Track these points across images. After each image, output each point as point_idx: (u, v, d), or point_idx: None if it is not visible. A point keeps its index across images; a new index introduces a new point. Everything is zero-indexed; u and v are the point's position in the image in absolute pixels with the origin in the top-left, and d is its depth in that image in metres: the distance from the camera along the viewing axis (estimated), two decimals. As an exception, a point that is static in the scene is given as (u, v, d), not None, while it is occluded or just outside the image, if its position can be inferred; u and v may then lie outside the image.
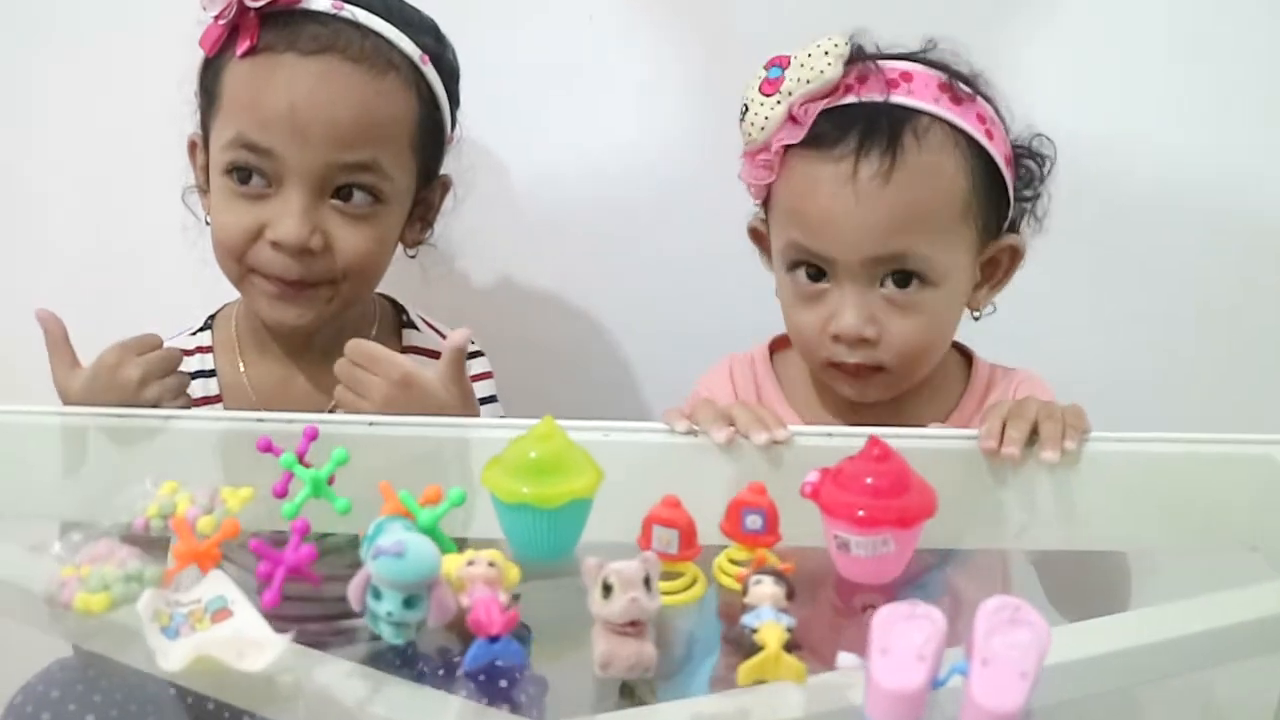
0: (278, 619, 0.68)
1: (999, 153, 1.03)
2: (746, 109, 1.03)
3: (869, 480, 0.74)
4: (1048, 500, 0.90)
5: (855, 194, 0.98)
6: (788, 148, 1.02)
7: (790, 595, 0.66)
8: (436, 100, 1.11)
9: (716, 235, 1.22)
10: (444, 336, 1.19)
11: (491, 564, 0.69)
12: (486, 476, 0.76)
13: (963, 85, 1.03)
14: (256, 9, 1.02)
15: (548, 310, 1.39)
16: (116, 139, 1.36)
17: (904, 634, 0.61)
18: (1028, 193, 1.09)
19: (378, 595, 0.67)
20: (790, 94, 1.00)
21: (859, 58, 1.01)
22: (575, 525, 0.77)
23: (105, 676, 0.79)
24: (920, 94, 1.01)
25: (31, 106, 1.38)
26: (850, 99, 1.00)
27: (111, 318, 1.20)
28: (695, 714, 0.66)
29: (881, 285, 1.01)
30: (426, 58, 1.09)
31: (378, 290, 1.19)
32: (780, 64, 1.01)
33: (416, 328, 1.20)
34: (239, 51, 1.03)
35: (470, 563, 0.69)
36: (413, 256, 1.19)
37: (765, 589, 0.66)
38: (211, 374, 1.15)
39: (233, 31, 1.04)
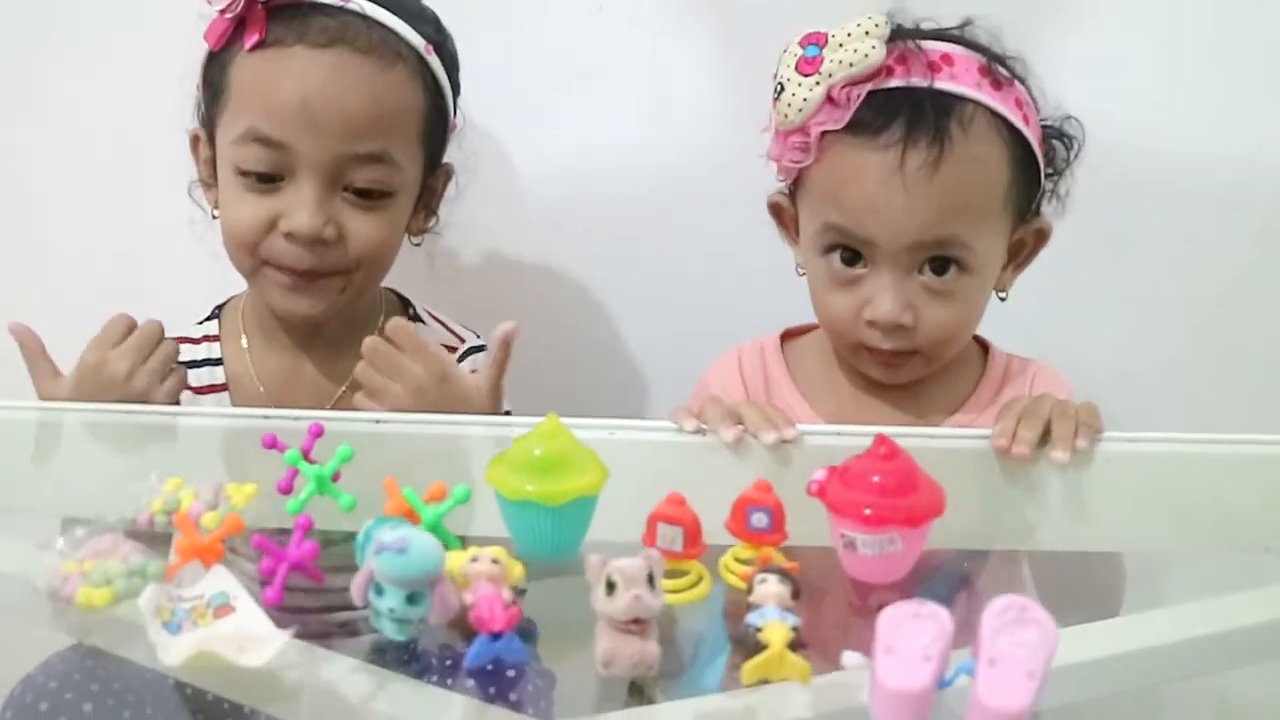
0: (287, 611, 0.68)
1: (1034, 136, 1.02)
2: (782, 88, 1.01)
3: (876, 479, 0.73)
4: (1059, 500, 0.89)
5: (904, 183, 0.97)
6: (824, 133, 1.00)
7: (796, 594, 0.66)
8: (441, 89, 1.11)
9: (726, 228, 1.22)
10: (451, 331, 1.20)
11: (495, 561, 0.69)
12: (491, 474, 0.76)
13: (1001, 69, 1.02)
14: (263, 2, 1.03)
15: (553, 304, 1.39)
16: (119, 135, 1.36)
17: (910, 633, 0.61)
18: (1049, 169, 1.07)
19: (380, 591, 0.67)
20: (830, 75, 0.98)
21: (899, 37, 1.00)
22: (580, 523, 0.76)
23: (103, 667, 0.79)
24: (963, 79, 1.00)
25: (32, 103, 1.38)
26: (893, 83, 0.99)
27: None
28: (699, 713, 0.65)
29: (920, 272, 1.00)
30: (430, 47, 1.10)
31: (384, 284, 1.20)
32: (817, 42, 0.99)
33: (423, 321, 1.20)
34: (247, 45, 1.04)
35: (474, 559, 0.69)
36: (418, 244, 1.19)
37: (770, 588, 0.66)
38: (218, 363, 1.15)
39: (239, 25, 1.04)
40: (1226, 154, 1.28)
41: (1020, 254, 1.08)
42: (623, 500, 0.77)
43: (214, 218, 1.12)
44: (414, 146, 1.09)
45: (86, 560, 0.72)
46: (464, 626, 0.68)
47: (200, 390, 1.14)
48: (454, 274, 1.37)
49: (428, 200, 1.16)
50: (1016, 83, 1.03)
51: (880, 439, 0.75)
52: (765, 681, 0.62)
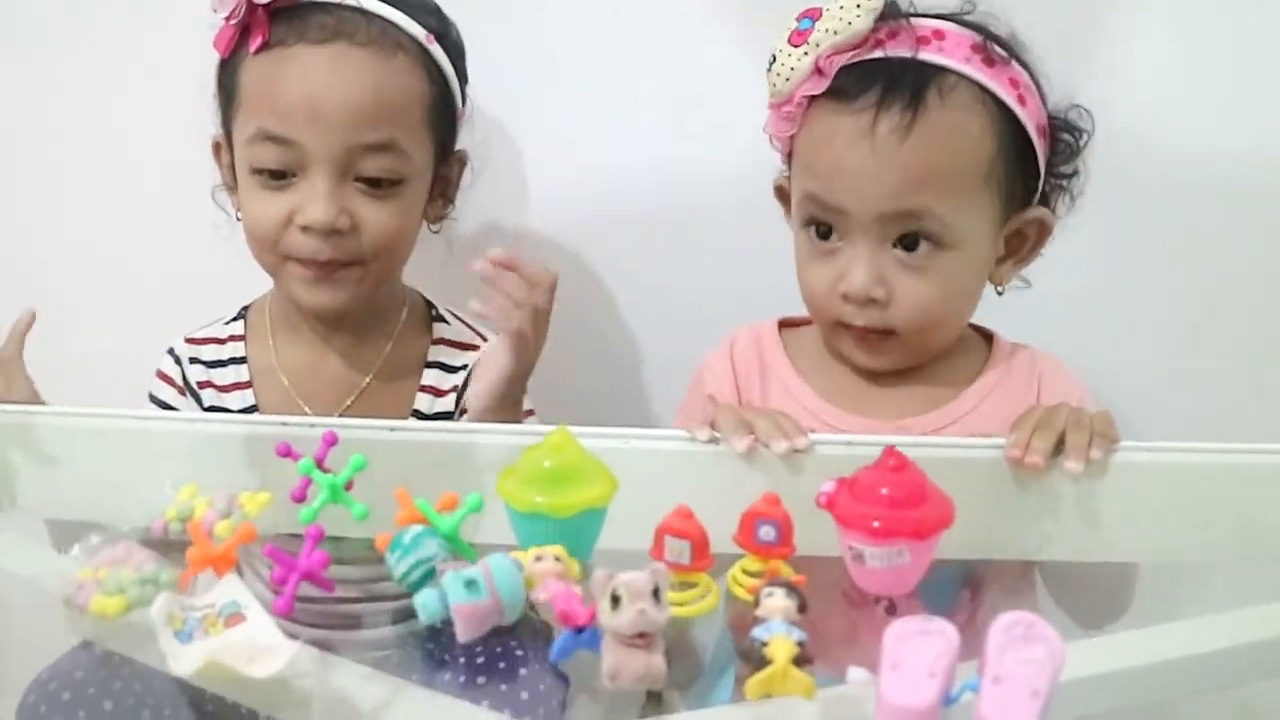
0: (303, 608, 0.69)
1: (1031, 120, 1.00)
2: (774, 59, 1.01)
3: (884, 491, 0.73)
4: (1072, 510, 0.88)
5: (873, 147, 0.97)
6: (811, 100, 1.00)
7: (802, 608, 0.66)
8: (445, 77, 1.13)
9: (746, 229, 1.20)
10: (475, 330, 1.21)
11: (557, 559, 0.71)
12: (501, 485, 0.76)
13: (998, 48, 1.00)
14: (264, 5, 1.05)
15: (572, 303, 1.38)
16: (143, 143, 1.37)
17: (916, 649, 0.61)
18: (1065, 169, 1.06)
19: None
20: (818, 45, 0.98)
21: (892, 14, 1.00)
22: (589, 534, 0.76)
23: (126, 663, 0.80)
24: (951, 52, 0.99)
25: (48, 114, 1.40)
26: (878, 54, 0.99)
27: (147, 320, 1.24)
28: (703, 726, 0.66)
29: (894, 246, 0.99)
30: (431, 36, 1.12)
31: (410, 285, 1.22)
32: (812, 16, 1.00)
33: (446, 321, 1.22)
34: (252, 48, 1.06)
35: (537, 559, 0.71)
36: (436, 231, 1.21)
37: (777, 602, 0.65)
38: (243, 360, 1.18)
39: (244, 30, 1.07)
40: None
41: (1022, 248, 1.05)
42: (634, 508, 0.77)
43: (238, 220, 1.14)
44: (422, 134, 1.11)
45: (101, 568, 0.73)
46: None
47: (225, 388, 1.16)
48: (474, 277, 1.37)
49: (443, 188, 1.18)
50: (1014, 64, 1.01)
51: (889, 451, 0.75)
52: (769, 697, 0.62)
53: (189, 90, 1.12)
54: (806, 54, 0.99)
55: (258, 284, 1.18)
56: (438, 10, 1.15)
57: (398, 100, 1.09)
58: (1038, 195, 1.04)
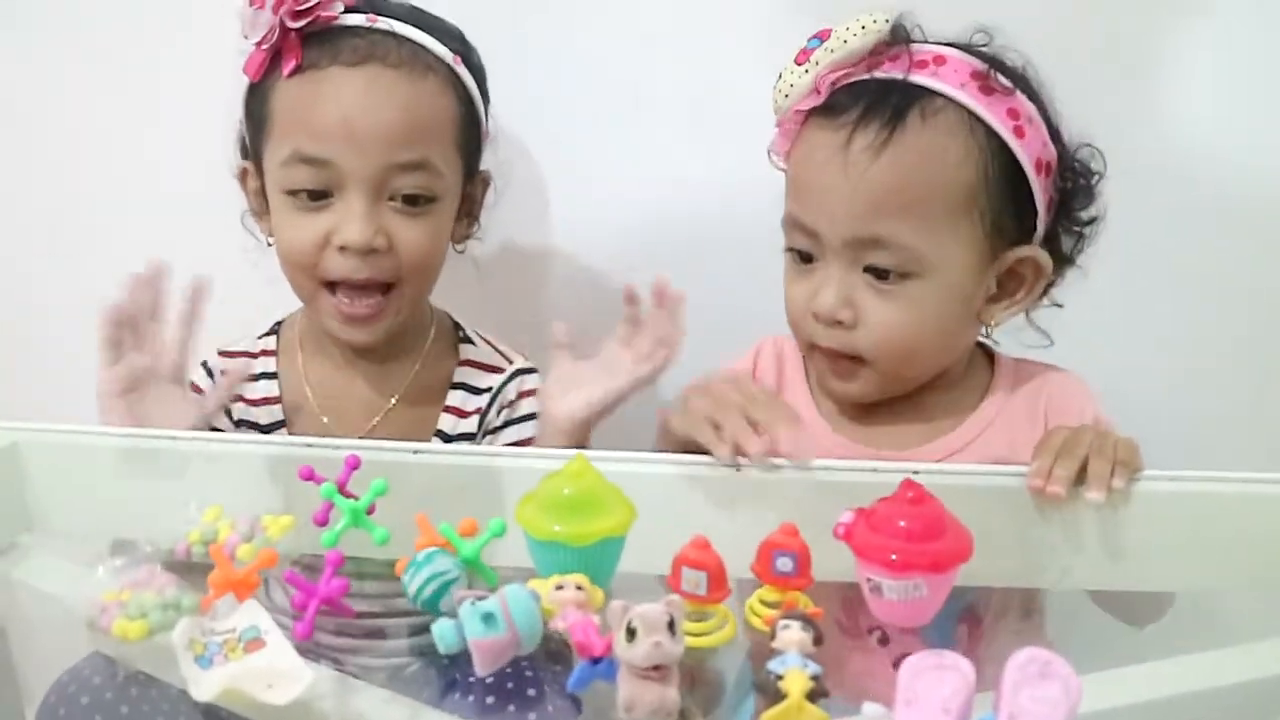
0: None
1: (1028, 153, 0.97)
2: (780, 77, 1.01)
3: (902, 523, 0.73)
4: (1094, 540, 0.88)
5: (845, 163, 0.96)
6: (807, 118, 1.00)
7: (818, 641, 0.66)
8: (472, 97, 1.15)
9: (764, 253, 1.20)
10: (499, 352, 1.22)
11: (579, 588, 0.71)
12: (520, 513, 0.77)
13: (1001, 78, 0.98)
14: (297, 29, 1.06)
15: (594, 324, 1.39)
16: (168, 170, 1.39)
17: (931, 685, 0.60)
18: (1081, 213, 1.04)
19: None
20: (818, 64, 0.98)
21: (901, 39, 0.99)
22: (608, 563, 0.77)
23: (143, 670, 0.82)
24: (945, 77, 0.97)
25: (79, 139, 1.42)
26: (874, 74, 0.98)
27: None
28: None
29: (865, 271, 0.98)
30: (458, 58, 1.13)
31: (437, 305, 1.23)
32: (821, 36, 1.00)
33: (473, 342, 1.23)
34: (285, 72, 1.08)
35: (559, 587, 0.71)
36: (461, 251, 1.22)
37: (793, 634, 0.65)
38: (274, 375, 1.19)
39: (275, 55, 1.08)
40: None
41: (1018, 290, 1.02)
42: (653, 533, 0.77)
43: (269, 244, 1.15)
44: (452, 153, 1.13)
45: (125, 590, 0.73)
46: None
47: (255, 402, 1.18)
48: (502, 287, 1.38)
49: (469, 208, 1.20)
50: (1019, 95, 0.98)
51: (907, 483, 0.75)
52: (784, 730, 0.62)
53: (221, 116, 1.14)
54: (807, 72, 0.99)
55: (288, 307, 1.20)
56: (460, 34, 1.17)
57: (430, 120, 1.10)
58: (1039, 235, 1.01)
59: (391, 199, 1.09)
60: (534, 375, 1.22)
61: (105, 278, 1.41)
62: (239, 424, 1.17)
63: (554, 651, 0.81)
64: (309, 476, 0.81)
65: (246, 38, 1.08)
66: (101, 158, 1.41)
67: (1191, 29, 1.24)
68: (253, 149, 1.14)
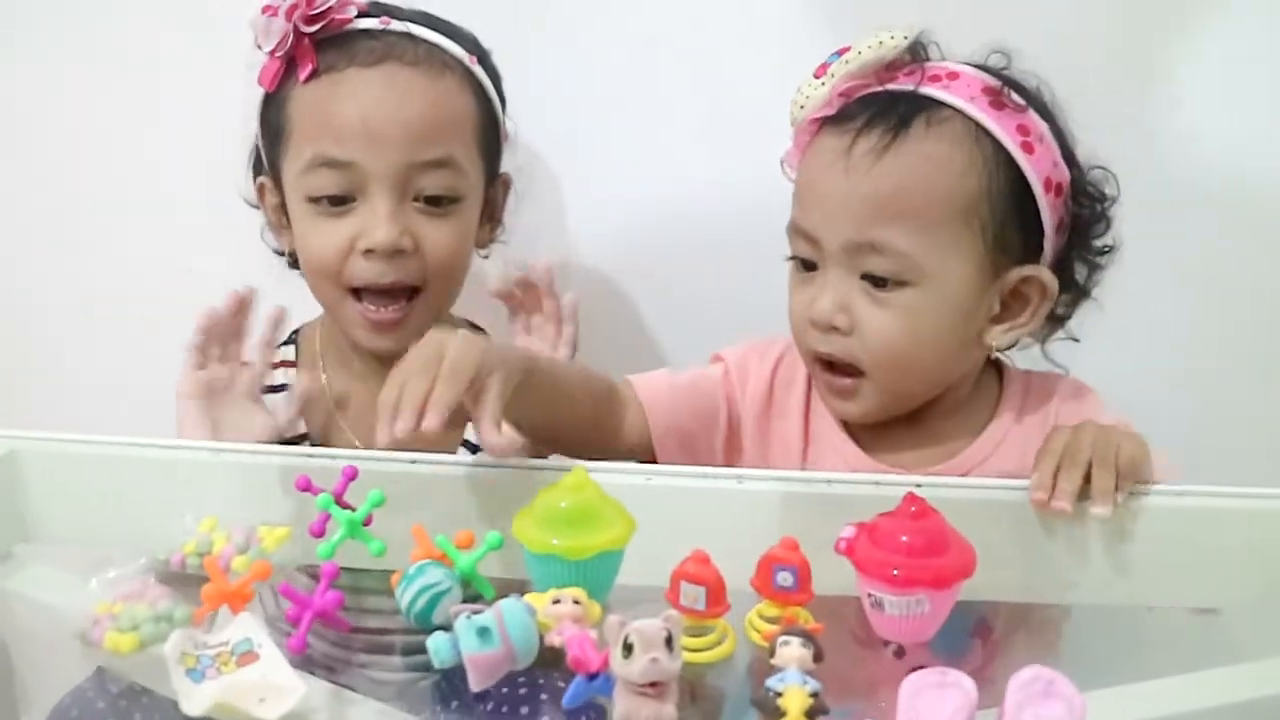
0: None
1: (1037, 171, 0.97)
2: (799, 90, 1.01)
3: (904, 538, 0.72)
4: (1100, 555, 0.87)
5: (846, 168, 0.96)
6: (819, 127, 1.00)
7: (818, 657, 0.65)
8: (489, 98, 1.14)
9: (781, 260, 1.20)
10: None
11: (576, 602, 0.70)
12: (517, 526, 0.76)
13: (1014, 95, 0.98)
14: (310, 34, 1.06)
15: (611, 329, 1.39)
16: (168, 170, 1.39)
17: (933, 703, 0.60)
18: (1096, 240, 1.03)
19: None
20: (834, 76, 0.98)
21: (915, 55, 0.99)
22: (606, 577, 0.76)
23: (146, 692, 0.80)
24: (957, 90, 0.97)
25: (79, 139, 1.41)
26: (889, 87, 0.98)
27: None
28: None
29: (862, 278, 0.97)
30: (474, 59, 1.13)
31: (461, 315, 1.22)
32: (840, 51, 1.00)
33: None
34: (302, 77, 1.07)
35: (556, 601, 0.70)
36: (485, 257, 1.22)
37: (792, 651, 0.64)
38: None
39: (290, 64, 1.08)
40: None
41: (1023, 312, 1.00)
42: (653, 546, 0.76)
43: (290, 258, 1.15)
44: (474, 153, 1.12)
45: (117, 603, 0.73)
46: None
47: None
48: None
49: (491, 211, 1.19)
50: (1031, 113, 0.98)
51: (909, 497, 0.74)
52: (782, 748, 0.61)
53: (220, 117, 1.14)
54: (824, 84, 0.99)
55: (299, 315, 1.19)
56: (474, 38, 1.16)
57: (451, 117, 1.10)
58: (1047, 256, 1.00)
59: (415, 200, 1.09)
60: None
61: (105, 278, 1.42)
62: None
63: (553, 663, 0.81)
64: (306, 487, 0.80)
65: (260, 47, 1.07)
66: (101, 158, 1.40)
67: (1197, 30, 1.24)
68: (270, 161, 1.13)
